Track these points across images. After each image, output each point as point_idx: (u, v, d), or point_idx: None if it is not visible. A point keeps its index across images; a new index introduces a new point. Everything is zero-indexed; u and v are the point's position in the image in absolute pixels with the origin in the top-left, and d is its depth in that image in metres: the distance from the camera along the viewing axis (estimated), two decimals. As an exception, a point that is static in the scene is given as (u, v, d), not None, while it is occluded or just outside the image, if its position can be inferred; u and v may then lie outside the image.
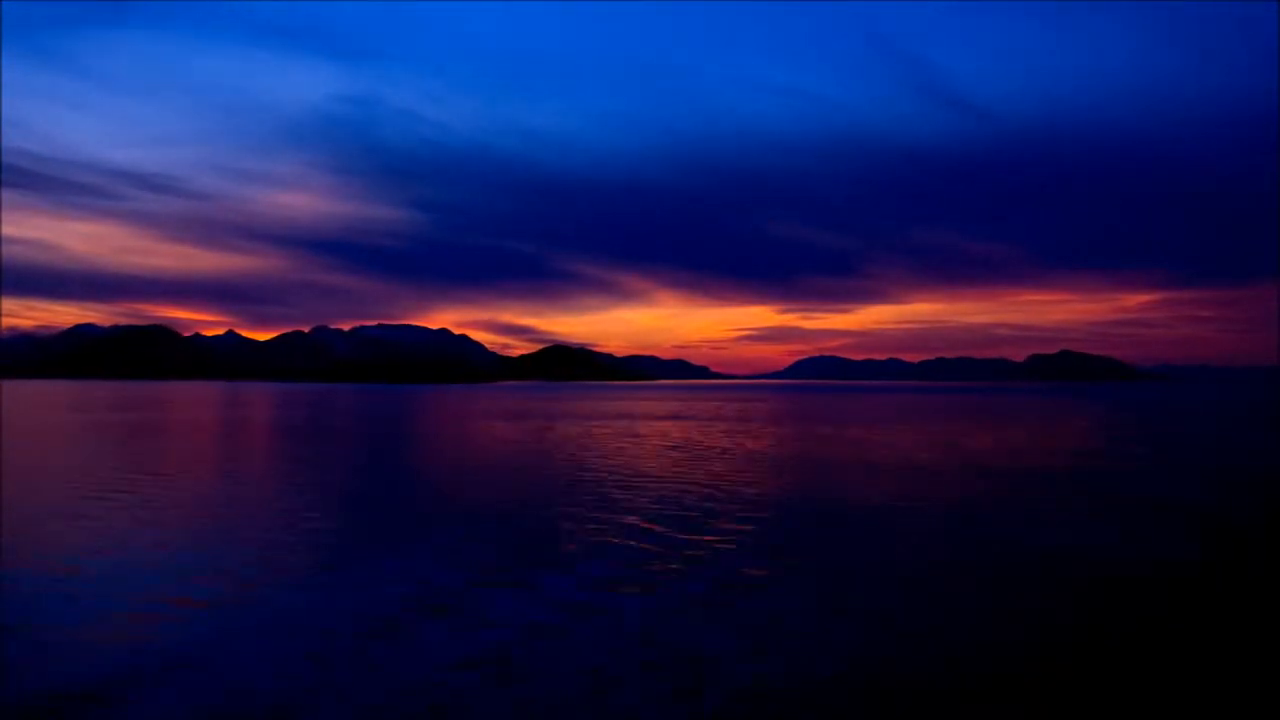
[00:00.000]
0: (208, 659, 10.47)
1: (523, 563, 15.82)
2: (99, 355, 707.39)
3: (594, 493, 25.22)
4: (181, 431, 52.26)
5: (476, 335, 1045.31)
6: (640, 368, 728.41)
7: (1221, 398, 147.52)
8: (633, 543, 17.74)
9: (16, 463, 33.06)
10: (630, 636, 11.51)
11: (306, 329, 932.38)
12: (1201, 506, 22.71)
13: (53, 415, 70.61)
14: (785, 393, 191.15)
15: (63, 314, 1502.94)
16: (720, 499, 23.95)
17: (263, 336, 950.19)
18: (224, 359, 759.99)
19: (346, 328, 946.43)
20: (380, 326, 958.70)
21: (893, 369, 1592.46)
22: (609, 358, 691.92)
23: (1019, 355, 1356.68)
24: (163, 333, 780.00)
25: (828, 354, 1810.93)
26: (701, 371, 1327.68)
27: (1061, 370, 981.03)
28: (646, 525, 19.86)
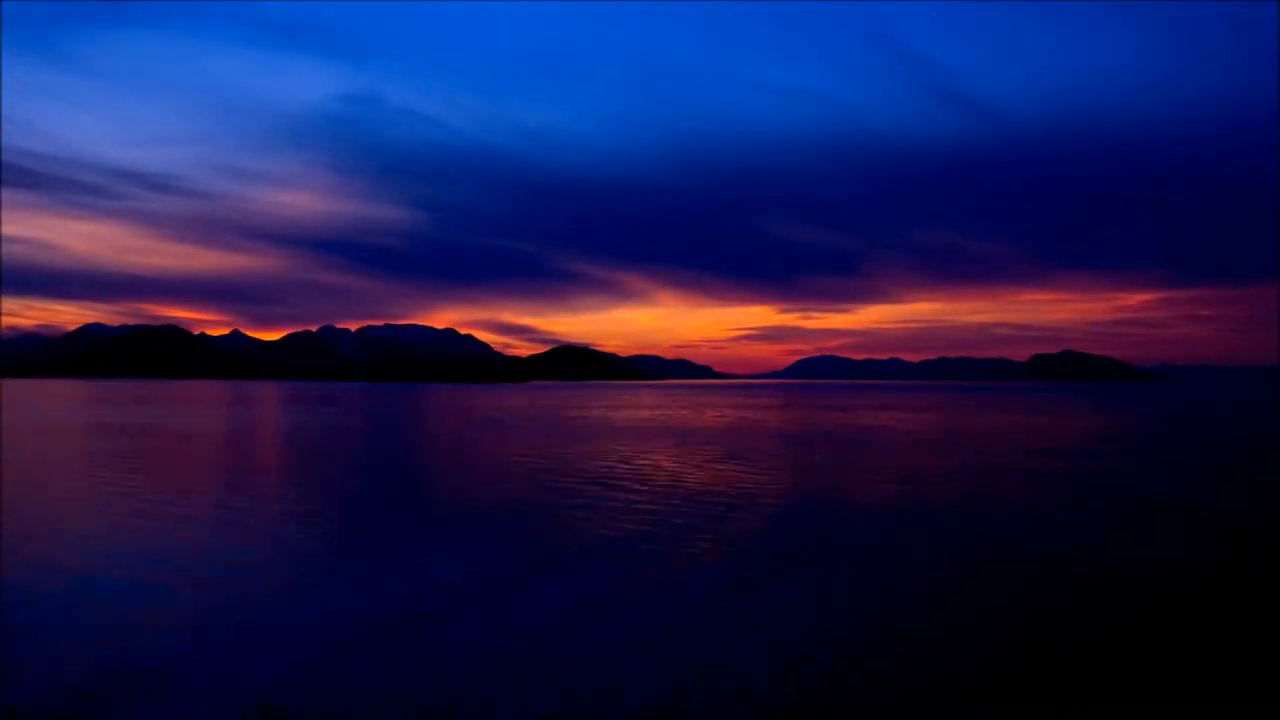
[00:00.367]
0: (206, 665, 10.23)
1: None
2: (108, 355, 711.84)
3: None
4: (245, 429, 56.44)
5: (476, 335, 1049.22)
6: (645, 367, 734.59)
7: (1226, 398, 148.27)
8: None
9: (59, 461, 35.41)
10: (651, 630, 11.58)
11: (314, 328, 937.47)
12: (1215, 508, 22.18)
13: (87, 412, 74.34)
14: (817, 392, 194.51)
15: (63, 313, 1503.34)
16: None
17: (264, 335, 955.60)
18: (233, 359, 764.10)
19: (354, 328, 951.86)
20: (387, 326, 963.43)
21: (893, 369, 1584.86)
22: (614, 357, 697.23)
23: (1020, 355, 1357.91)
24: (173, 332, 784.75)
25: (828, 354, 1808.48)
26: (704, 371, 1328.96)
27: (1063, 370, 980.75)
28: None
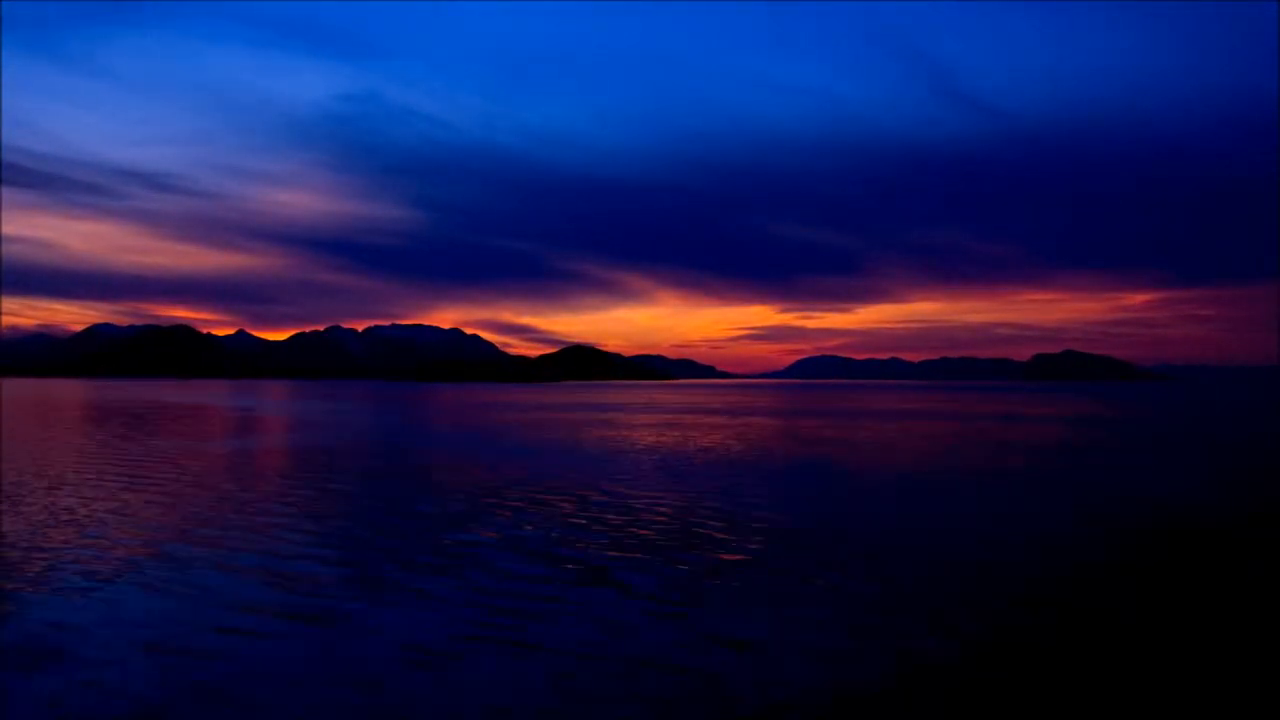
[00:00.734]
0: (225, 691, 9.22)
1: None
2: (118, 355, 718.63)
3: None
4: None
5: (474, 334, 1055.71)
6: (651, 367, 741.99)
7: (1229, 397, 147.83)
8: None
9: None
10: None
11: (322, 328, 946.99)
12: (1215, 507, 22.06)
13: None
14: (848, 390, 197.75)
15: (62, 313, 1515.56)
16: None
17: (266, 335, 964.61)
18: (241, 359, 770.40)
19: (360, 328, 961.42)
20: (394, 326, 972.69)
21: (894, 369, 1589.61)
22: (618, 357, 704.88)
23: (1020, 354, 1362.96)
24: (183, 332, 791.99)
25: (828, 353, 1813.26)
26: (707, 371, 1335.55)
27: (1064, 370, 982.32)
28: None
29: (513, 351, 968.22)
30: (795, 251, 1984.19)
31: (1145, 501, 23.15)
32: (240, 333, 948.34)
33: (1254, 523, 20.11)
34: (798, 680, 9.58)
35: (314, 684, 9.54)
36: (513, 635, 11.36)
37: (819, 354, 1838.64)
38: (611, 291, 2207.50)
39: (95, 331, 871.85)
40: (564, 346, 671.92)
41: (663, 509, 21.90)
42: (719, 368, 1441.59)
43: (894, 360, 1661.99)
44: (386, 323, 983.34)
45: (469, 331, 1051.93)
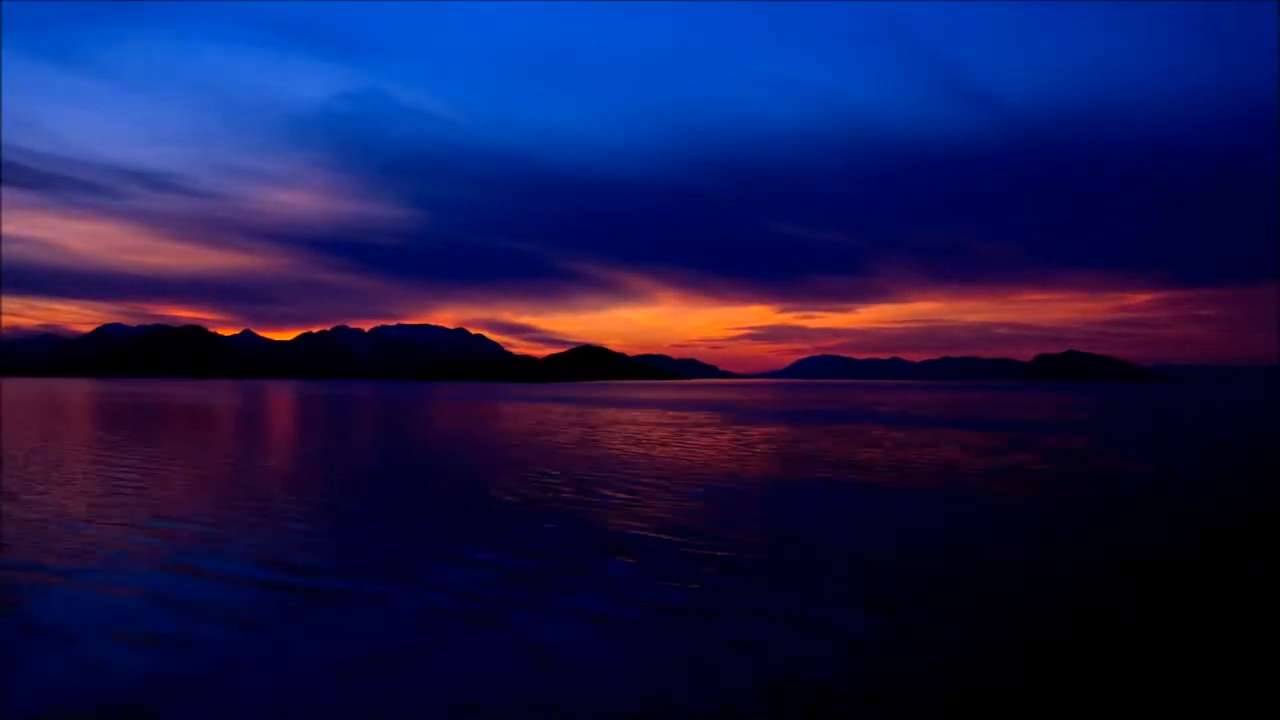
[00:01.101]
0: (211, 680, 9.16)
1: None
2: (128, 355, 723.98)
3: None
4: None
5: (479, 334, 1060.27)
6: (656, 367, 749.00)
7: (1231, 397, 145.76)
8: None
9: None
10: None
11: (329, 328, 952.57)
12: (1217, 506, 21.83)
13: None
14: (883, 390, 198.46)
15: (64, 313, 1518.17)
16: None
17: (268, 335, 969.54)
18: (247, 359, 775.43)
19: (366, 328, 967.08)
20: (400, 326, 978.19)
21: (895, 369, 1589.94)
22: (623, 357, 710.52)
23: (1021, 354, 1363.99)
24: (194, 333, 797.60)
25: (829, 353, 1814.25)
26: (710, 370, 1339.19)
27: (1067, 370, 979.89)
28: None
29: (514, 351, 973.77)
30: (795, 251, 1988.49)
31: (1151, 503, 22.76)
32: (246, 333, 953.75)
33: (1254, 523, 20.01)
34: (815, 679, 9.56)
35: (293, 678, 9.40)
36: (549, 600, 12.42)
37: (818, 354, 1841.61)
38: (611, 291, 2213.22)
39: (106, 332, 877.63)
40: (571, 346, 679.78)
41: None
42: (721, 368, 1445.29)
43: (895, 360, 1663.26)
44: (392, 323, 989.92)
45: (473, 331, 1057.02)
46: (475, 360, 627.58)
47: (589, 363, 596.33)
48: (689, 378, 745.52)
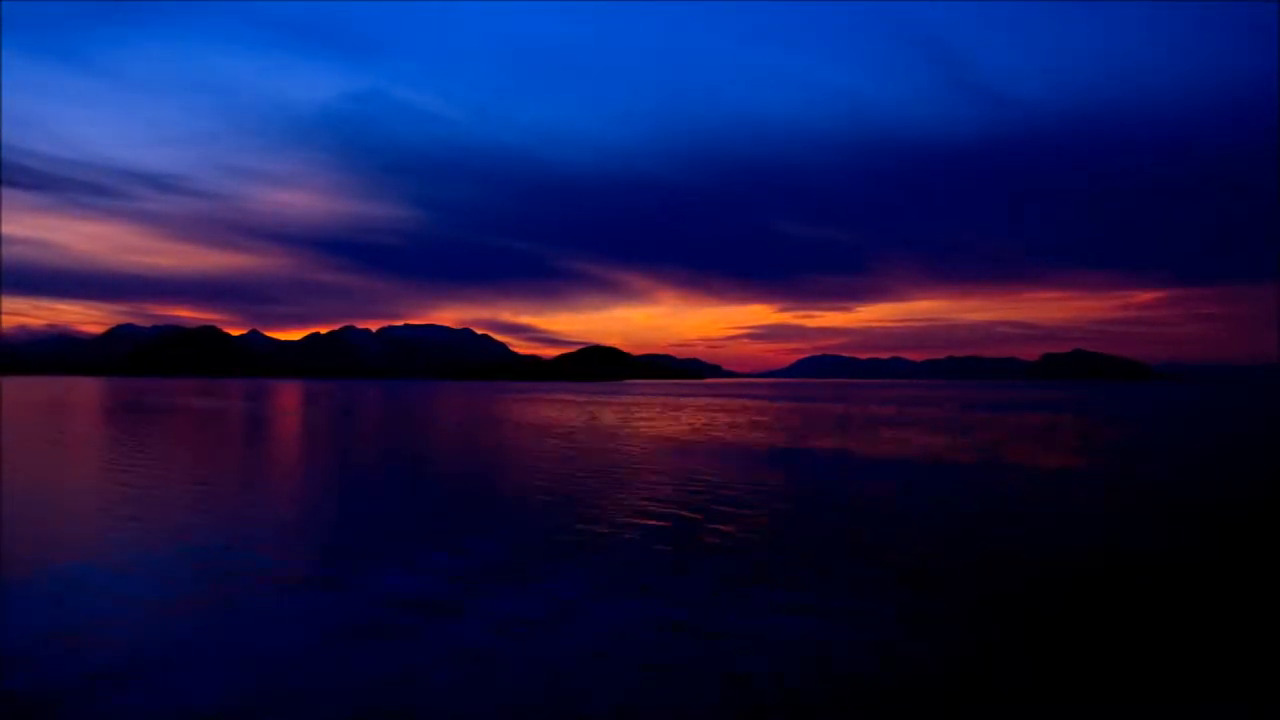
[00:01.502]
0: (182, 659, 9.83)
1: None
2: (140, 355, 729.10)
3: None
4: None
5: (484, 334, 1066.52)
6: (663, 366, 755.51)
7: (1239, 397, 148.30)
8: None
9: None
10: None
11: (337, 327, 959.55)
12: (1220, 505, 22.04)
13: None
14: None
15: (68, 313, 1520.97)
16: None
17: (273, 334, 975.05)
18: (255, 359, 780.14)
19: (374, 328, 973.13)
20: (407, 326, 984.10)
21: (896, 368, 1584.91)
22: (630, 356, 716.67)
23: (1026, 354, 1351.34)
24: (207, 333, 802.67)
25: (829, 353, 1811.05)
26: (714, 370, 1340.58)
27: (1073, 370, 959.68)
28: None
29: (516, 351, 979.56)
30: (796, 250, 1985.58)
31: (1160, 501, 23.01)
32: (253, 333, 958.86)
33: (1262, 521, 20.26)
34: (826, 672, 9.79)
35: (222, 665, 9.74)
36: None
37: (818, 353, 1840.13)
38: (611, 291, 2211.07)
39: (119, 332, 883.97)
40: (573, 346, 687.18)
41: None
42: (725, 367, 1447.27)
43: (896, 359, 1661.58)
44: (399, 323, 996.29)
45: (478, 331, 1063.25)
46: (485, 360, 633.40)
47: (599, 362, 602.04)
48: (697, 378, 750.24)
